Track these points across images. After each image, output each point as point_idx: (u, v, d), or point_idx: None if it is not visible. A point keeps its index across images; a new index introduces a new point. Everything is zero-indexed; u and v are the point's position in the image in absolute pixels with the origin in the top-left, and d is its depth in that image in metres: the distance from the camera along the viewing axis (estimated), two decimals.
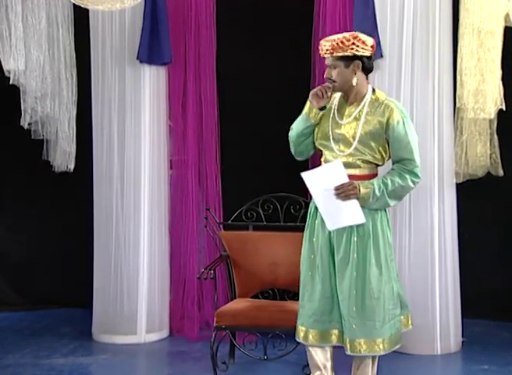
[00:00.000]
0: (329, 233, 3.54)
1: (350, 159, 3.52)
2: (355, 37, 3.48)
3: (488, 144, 4.73)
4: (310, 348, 3.65)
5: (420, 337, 4.74)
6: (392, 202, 3.52)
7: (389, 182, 3.49)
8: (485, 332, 5.29)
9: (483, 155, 4.72)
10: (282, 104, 5.48)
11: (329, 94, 3.55)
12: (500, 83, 4.55)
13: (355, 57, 3.48)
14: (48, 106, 5.03)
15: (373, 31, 4.73)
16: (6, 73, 4.94)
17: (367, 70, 3.56)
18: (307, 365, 4.09)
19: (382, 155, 3.55)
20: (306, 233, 3.66)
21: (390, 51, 4.77)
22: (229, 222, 4.64)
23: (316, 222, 3.60)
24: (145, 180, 5.05)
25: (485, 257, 5.56)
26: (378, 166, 3.60)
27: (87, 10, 4.70)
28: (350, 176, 3.47)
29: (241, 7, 5.51)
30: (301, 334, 3.62)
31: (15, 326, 5.54)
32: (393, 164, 3.57)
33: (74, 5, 4.56)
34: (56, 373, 4.40)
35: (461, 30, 4.60)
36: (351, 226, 3.49)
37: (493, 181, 4.91)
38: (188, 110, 5.23)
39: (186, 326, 5.19)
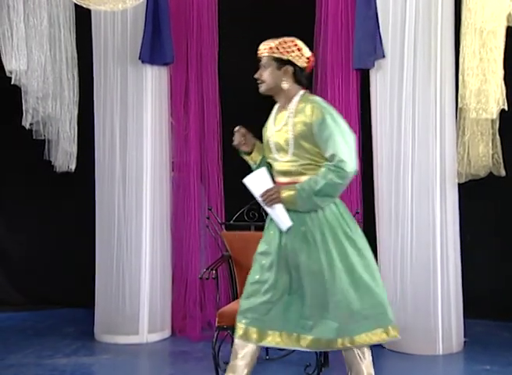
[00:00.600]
0: (281, 236, 3.47)
1: (292, 168, 3.47)
2: (294, 44, 3.49)
3: (491, 145, 4.72)
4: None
5: (422, 338, 4.74)
6: (322, 202, 3.42)
7: (314, 182, 3.39)
8: (487, 332, 5.29)
9: (485, 155, 4.71)
10: None
11: (244, 137, 3.57)
12: (502, 83, 4.54)
13: (288, 62, 3.47)
14: (49, 106, 5.03)
15: (375, 31, 4.74)
16: (8, 74, 4.94)
17: (298, 80, 3.51)
18: (310, 365, 4.10)
19: (322, 157, 3.43)
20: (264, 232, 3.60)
21: (392, 52, 4.77)
22: (231, 222, 4.64)
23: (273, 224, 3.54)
24: (147, 180, 5.05)
25: (486, 257, 5.56)
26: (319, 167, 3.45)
27: (88, 10, 4.70)
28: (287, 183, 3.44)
29: (243, 7, 5.51)
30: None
31: (17, 327, 5.55)
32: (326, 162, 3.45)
33: (76, 5, 4.56)
34: (59, 373, 4.41)
35: (463, 30, 4.60)
36: (298, 230, 3.43)
37: (495, 181, 4.91)
38: (190, 110, 5.23)
39: (188, 326, 5.19)
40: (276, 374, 4.42)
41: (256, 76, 3.52)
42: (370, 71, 4.88)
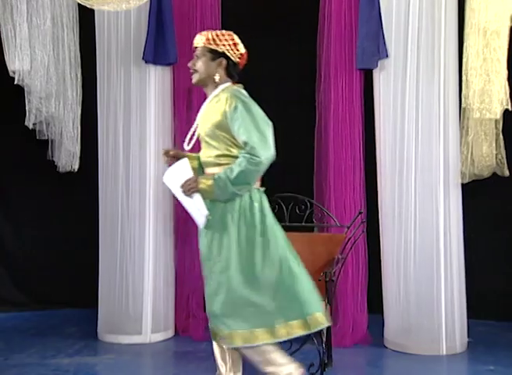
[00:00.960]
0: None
1: (209, 158, 3.54)
2: (231, 38, 3.57)
3: (494, 145, 4.72)
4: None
5: (425, 338, 4.74)
6: (240, 190, 3.45)
7: (230, 171, 3.42)
8: (491, 333, 5.29)
9: (489, 155, 4.71)
10: (286, 105, 5.49)
11: (173, 157, 3.62)
12: (506, 83, 4.54)
13: (223, 54, 3.54)
14: (52, 106, 5.02)
15: (378, 31, 4.74)
16: (11, 74, 4.94)
17: (230, 73, 3.58)
18: (313, 364, 4.10)
19: (238, 146, 3.48)
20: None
21: (395, 51, 4.76)
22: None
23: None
24: (150, 180, 5.05)
25: (490, 257, 5.56)
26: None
27: (92, 10, 4.70)
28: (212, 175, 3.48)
29: (246, 7, 5.52)
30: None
31: (20, 327, 5.55)
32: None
33: (79, 5, 4.57)
34: (62, 373, 4.40)
35: (467, 30, 4.59)
36: (210, 221, 3.49)
37: (499, 182, 4.90)
38: (193, 110, 5.22)
39: (192, 326, 5.19)
40: None
41: (189, 65, 3.58)
42: (373, 71, 4.88)
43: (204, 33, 3.59)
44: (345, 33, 4.95)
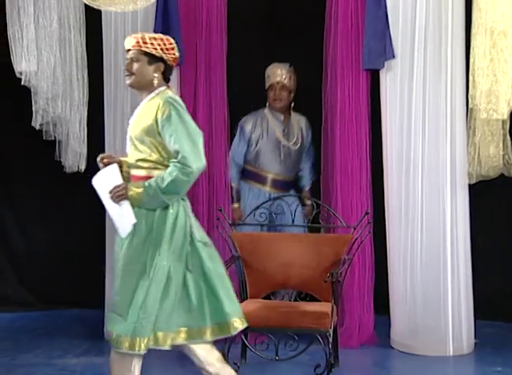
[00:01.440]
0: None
1: (134, 161, 3.52)
2: (169, 42, 3.53)
3: (501, 145, 4.70)
4: None
5: (432, 339, 4.73)
6: (169, 199, 3.43)
7: (161, 179, 3.41)
8: (498, 334, 5.27)
9: (496, 155, 4.69)
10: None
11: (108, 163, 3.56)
12: None
13: (160, 59, 3.51)
14: (59, 107, 5.03)
15: (385, 32, 4.73)
16: (18, 75, 4.95)
17: (166, 77, 3.59)
18: (319, 365, 4.10)
19: (161, 154, 3.47)
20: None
21: (402, 52, 4.76)
22: (241, 222, 4.64)
23: None
24: None
25: (497, 258, 5.54)
26: (166, 166, 3.47)
27: (99, 11, 4.70)
28: (133, 177, 3.49)
29: (252, 8, 5.51)
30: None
31: (28, 327, 5.56)
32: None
33: (86, 6, 4.57)
34: (69, 373, 4.42)
35: (474, 30, 4.58)
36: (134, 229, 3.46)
37: (506, 182, 4.89)
38: (198, 111, 5.22)
39: None
40: None
41: (126, 67, 3.54)
42: (380, 71, 4.87)
43: (137, 35, 3.55)
44: (351, 33, 4.94)
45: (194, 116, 5.19)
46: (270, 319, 4.16)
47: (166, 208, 3.47)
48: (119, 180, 3.47)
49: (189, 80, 5.18)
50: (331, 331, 4.14)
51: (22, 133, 5.67)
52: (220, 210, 4.70)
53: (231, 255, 4.58)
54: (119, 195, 3.44)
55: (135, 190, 3.43)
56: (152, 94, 3.54)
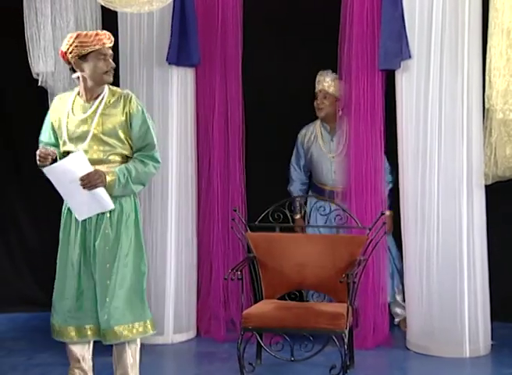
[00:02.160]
0: (84, 229, 3.70)
1: (99, 155, 3.69)
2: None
3: None
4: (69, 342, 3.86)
5: (448, 340, 4.71)
6: (136, 189, 3.69)
7: (132, 169, 3.63)
8: None
9: None
10: (307, 105, 5.48)
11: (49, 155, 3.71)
12: None
13: None
14: None
15: (401, 32, 4.72)
16: (35, 76, 4.98)
17: None
18: (335, 366, 4.09)
19: (130, 146, 3.76)
20: (62, 232, 3.82)
21: (418, 52, 4.74)
22: (256, 223, 4.65)
23: (71, 219, 3.76)
24: (172, 182, 5.06)
25: None
26: (128, 157, 3.77)
27: (115, 12, 4.72)
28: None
29: (267, 7, 5.51)
30: (56, 331, 3.82)
31: (44, 327, 5.52)
32: (135, 153, 3.75)
33: (102, 7, 4.59)
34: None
35: (490, 30, 4.56)
36: (103, 218, 3.66)
37: None
38: (214, 111, 5.23)
39: (213, 327, 5.19)
40: None
41: (111, 65, 3.79)
42: (396, 72, 4.85)
43: (107, 33, 3.82)
44: (367, 34, 4.92)
45: (211, 117, 5.22)
46: (285, 319, 4.15)
47: (130, 197, 3.72)
48: (90, 167, 3.60)
49: (205, 81, 5.20)
50: (346, 332, 4.12)
51: (37, 134, 5.69)
52: (235, 210, 4.70)
53: (246, 255, 4.58)
54: (96, 182, 3.58)
55: (108, 178, 3.62)
56: (106, 90, 3.76)
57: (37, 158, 3.71)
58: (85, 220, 3.72)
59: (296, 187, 5.44)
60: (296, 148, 5.45)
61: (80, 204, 3.65)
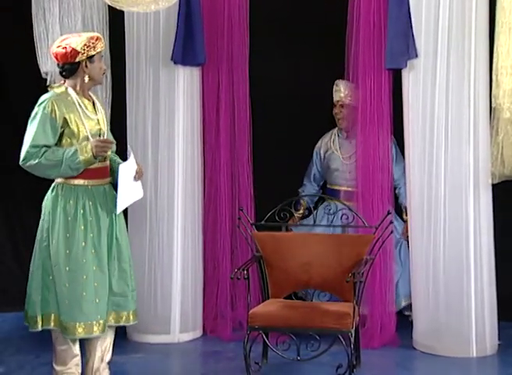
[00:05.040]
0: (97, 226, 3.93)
1: (109, 152, 4.03)
2: None
3: None
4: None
5: (455, 339, 4.70)
6: None
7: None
8: None
9: None
10: (314, 106, 5.48)
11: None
12: None
13: None
14: None
15: (407, 31, 4.71)
16: (43, 75, 4.99)
17: None
18: (341, 366, 4.09)
19: None
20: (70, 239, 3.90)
21: (425, 51, 4.72)
22: (263, 222, 4.65)
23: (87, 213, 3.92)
24: (179, 181, 5.07)
25: None
26: None
27: (122, 12, 4.73)
28: (106, 169, 4.02)
29: (274, 7, 5.51)
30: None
31: None
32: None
33: (109, 6, 4.60)
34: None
35: (497, 29, 4.54)
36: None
37: None
38: (221, 110, 5.23)
39: (220, 326, 5.20)
40: None
41: (104, 67, 4.04)
42: (402, 71, 4.84)
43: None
44: (374, 33, 4.91)
45: (217, 117, 5.23)
46: (291, 319, 4.16)
47: None
48: (134, 161, 4.03)
49: (211, 80, 5.20)
50: (353, 331, 4.12)
51: None
52: (241, 210, 4.70)
53: (252, 254, 4.59)
54: (142, 174, 4.07)
55: None
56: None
57: (98, 149, 3.86)
58: (89, 219, 3.92)
59: (307, 191, 5.53)
60: (313, 163, 5.53)
61: (127, 195, 3.94)
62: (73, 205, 3.88)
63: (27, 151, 3.82)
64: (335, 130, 5.46)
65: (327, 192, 5.46)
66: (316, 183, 5.56)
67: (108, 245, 3.95)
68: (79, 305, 3.84)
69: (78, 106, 3.91)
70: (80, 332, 3.86)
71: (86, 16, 5.04)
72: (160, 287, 5.04)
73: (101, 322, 3.88)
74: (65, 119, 3.87)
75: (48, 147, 3.84)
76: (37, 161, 3.79)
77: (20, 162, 3.87)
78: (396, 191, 5.30)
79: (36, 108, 3.88)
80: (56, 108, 3.86)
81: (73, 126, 3.88)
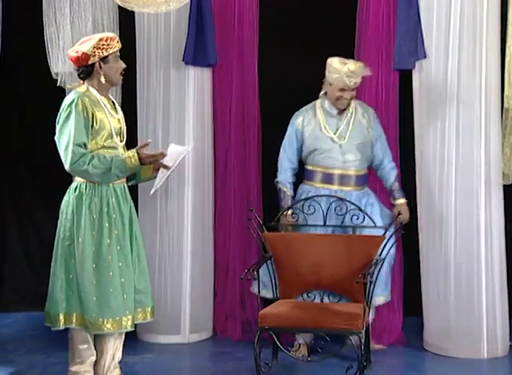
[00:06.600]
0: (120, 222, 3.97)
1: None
2: None
3: None
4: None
5: (466, 341, 4.69)
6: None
7: None
8: None
9: None
10: None
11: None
12: None
13: None
14: None
15: (416, 31, 4.69)
16: (54, 76, 5.01)
17: None
18: (351, 366, 4.08)
19: None
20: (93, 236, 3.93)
21: (436, 51, 4.71)
22: (273, 223, 4.65)
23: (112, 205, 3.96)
24: (189, 181, 5.07)
25: None
26: None
27: (132, 13, 4.74)
28: None
29: (283, 7, 5.50)
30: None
31: None
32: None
33: (120, 7, 4.61)
34: None
35: (509, 29, 4.54)
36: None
37: None
38: (231, 111, 5.24)
39: (230, 326, 5.20)
40: None
41: (124, 67, 4.02)
42: (413, 71, 4.83)
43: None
44: (383, 33, 4.91)
45: (228, 117, 5.23)
46: (302, 319, 4.15)
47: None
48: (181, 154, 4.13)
49: (222, 80, 5.21)
50: (363, 332, 4.12)
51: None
52: (251, 210, 4.69)
53: (262, 255, 4.58)
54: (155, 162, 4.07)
55: None
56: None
57: (150, 160, 3.97)
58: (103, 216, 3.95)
59: (285, 178, 4.85)
60: (291, 137, 4.86)
61: (163, 179, 4.11)
62: (98, 204, 3.91)
63: (73, 152, 3.83)
64: (317, 104, 4.87)
65: (306, 174, 4.88)
66: (296, 160, 4.89)
67: (130, 242, 3.96)
68: (107, 302, 3.84)
69: (102, 104, 3.95)
70: (109, 328, 3.85)
71: (96, 16, 5.06)
72: (170, 287, 5.05)
73: (130, 317, 3.89)
74: (93, 116, 3.89)
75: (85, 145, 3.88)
76: (84, 167, 3.85)
77: (68, 167, 3.89)
78: (379, 173, 4.87)
79: (67, 109, 3.86)
80: (86, 106, 3.87)
81: (100, 123, 3.90)
